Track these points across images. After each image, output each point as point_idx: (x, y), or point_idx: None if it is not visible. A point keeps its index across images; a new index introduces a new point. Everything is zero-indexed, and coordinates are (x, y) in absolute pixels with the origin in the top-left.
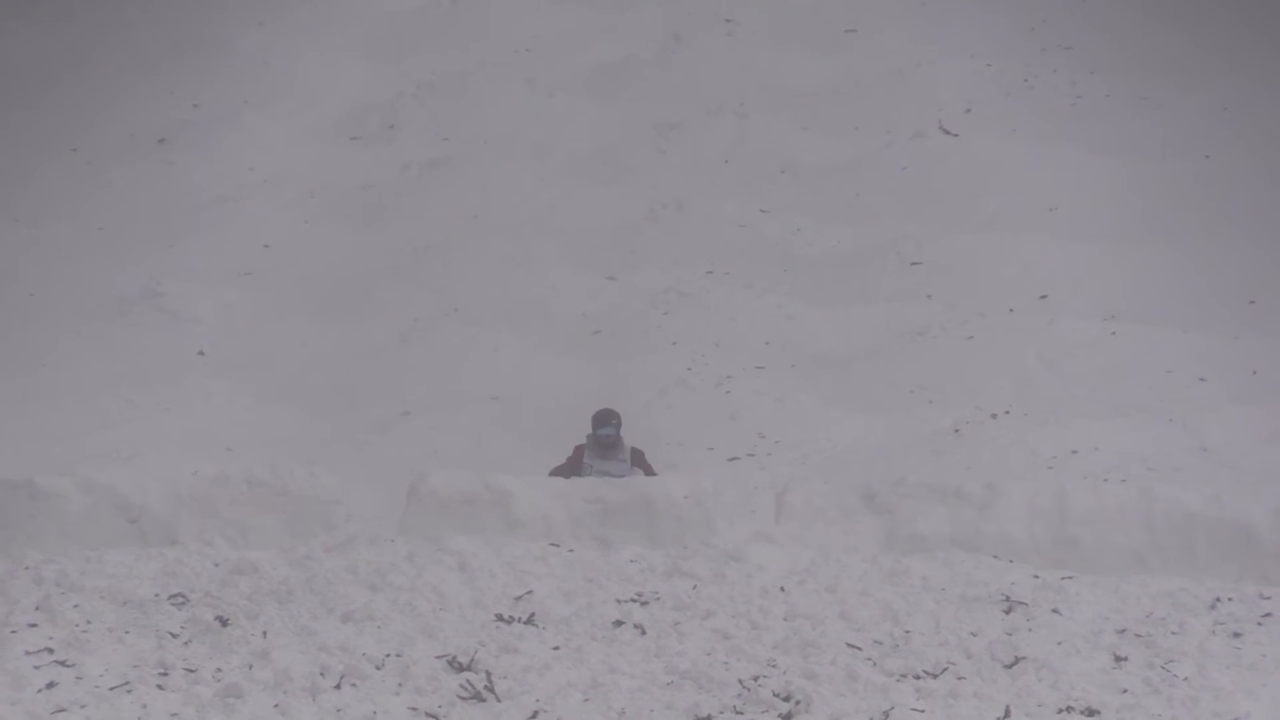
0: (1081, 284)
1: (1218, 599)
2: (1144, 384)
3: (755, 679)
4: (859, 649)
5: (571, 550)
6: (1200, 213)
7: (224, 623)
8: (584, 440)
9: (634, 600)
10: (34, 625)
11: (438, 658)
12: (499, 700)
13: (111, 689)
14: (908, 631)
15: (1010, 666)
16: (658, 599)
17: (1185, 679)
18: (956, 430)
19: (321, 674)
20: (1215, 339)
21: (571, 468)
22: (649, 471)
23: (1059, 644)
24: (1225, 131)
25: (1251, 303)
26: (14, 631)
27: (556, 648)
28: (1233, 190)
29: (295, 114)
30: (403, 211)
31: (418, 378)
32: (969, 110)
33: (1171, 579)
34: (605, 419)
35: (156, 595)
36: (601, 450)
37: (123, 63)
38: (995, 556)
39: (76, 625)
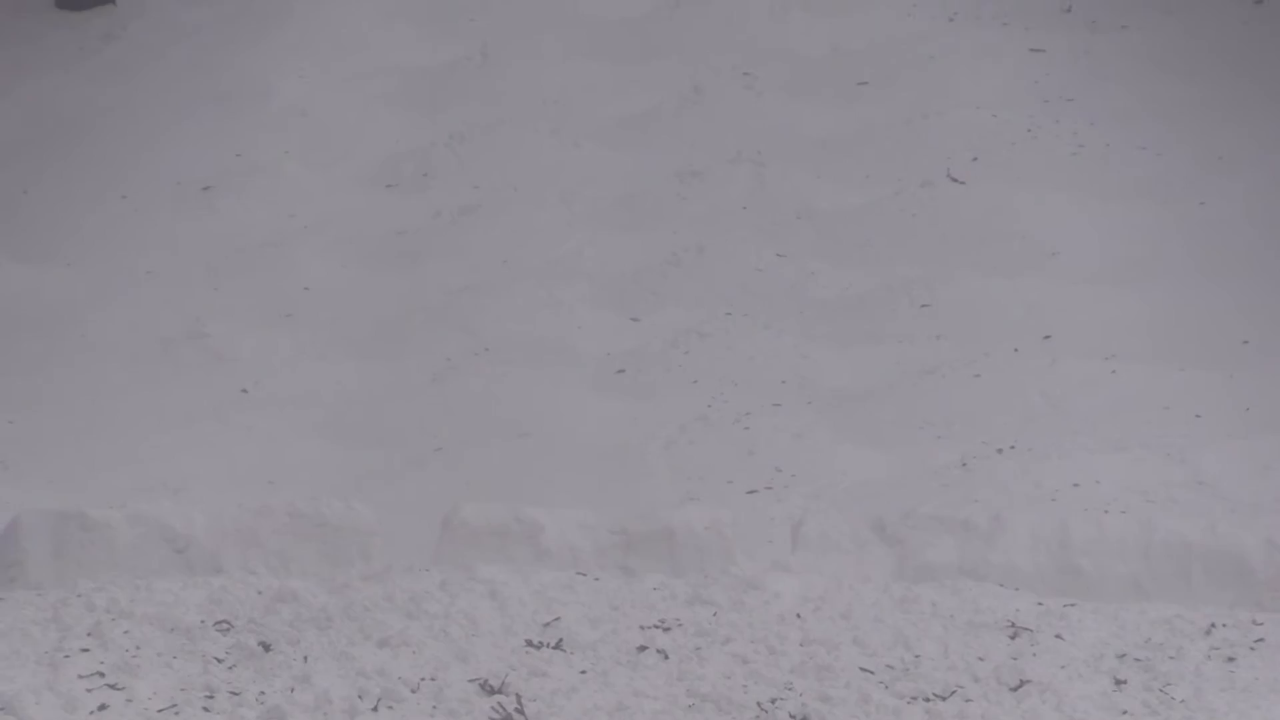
0: (1083, 325)
1: (1213, 625)
2: (1142, 420)
3: (773, 701)
4: (871, 673)
5: (598, 579)
6: (1196, 257)
7: (266, 648)
8: None
9: (657, 626)
10: (86, 650)
11: (470, 681)
12: None
13: (160, 711)
14: (918, 656)
15: (1015, 689)
16: (679, 625)
17: (1182, 701)
18: (964, 464)
19: (360, 697)
20: (1211, 377)
21: None
22: None
23: (1062, 668)
24: (1220, 178)
25: (1245, 342)
26: (67, 656)
27: (583, 672)
28: (1227, 235)
29: (333, 163)
30: (435, 256)
31: (450, 414)
32: (975, 159)
33: (1169, 606)
34: None
35: (202, 622)
36: None
37: (169, 113)
38: (1001, 585)
39: (126, 650)
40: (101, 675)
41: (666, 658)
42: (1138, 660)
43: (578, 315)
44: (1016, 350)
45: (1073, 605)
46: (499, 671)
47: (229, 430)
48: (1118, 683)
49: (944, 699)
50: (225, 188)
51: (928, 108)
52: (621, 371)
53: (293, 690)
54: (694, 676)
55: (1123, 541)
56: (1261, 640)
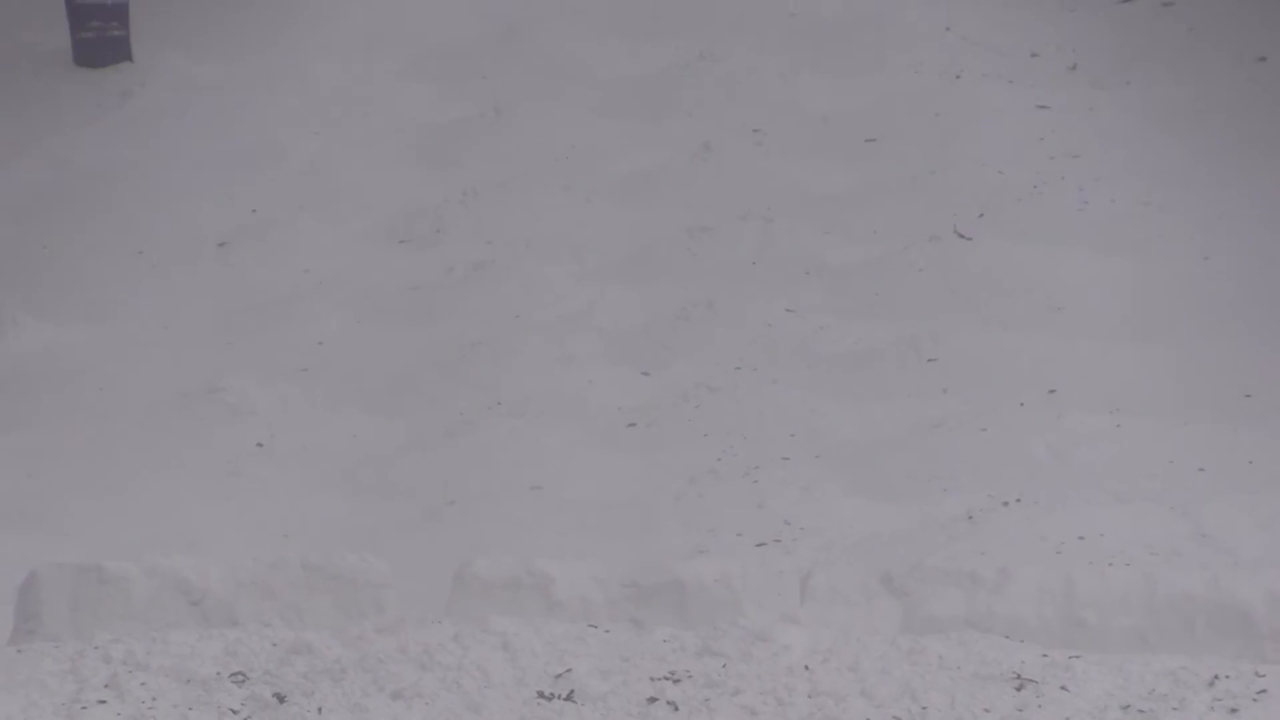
0: (1088, 379)
1: (1216, 676)
2: (1147, 474)
3: None
4: None
5: (608, 631)
6: (1200, 311)
7: (281, 699)
8: None
9: (667, 678)
10: (103, 702)
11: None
12: None
13: None
14: (925, 708)
15: None
16: (689, 677)
17: None
18: (970, 517)
19: None
20: (1214, 431)
21: None
22: None
23: (1067, 719)
24: (1224, 234)
25: (1248, 397)
26: (84, 708)
27: None
28: (1231, 290)
29: (347, 219)
30: (449, 311)
31: (463, 468)
32: (982, 215)
33: (1173, 657)
34: None
35: (218, 674)
36: None
37: (186, 170)
38: (1007, 636)
39: (143, 702)
40: None
41: (676, 709)
42: (1142, 711)
43: (589, 370)
44: (1022, 404)
45: (1078, 657)
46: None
47: (244, 484)
48: None
49: None
50: (241, 243)
51: (935, 164)
52: (632, 425)
53: None
54: None
55: (1127, 594)
56: (1264, 692)
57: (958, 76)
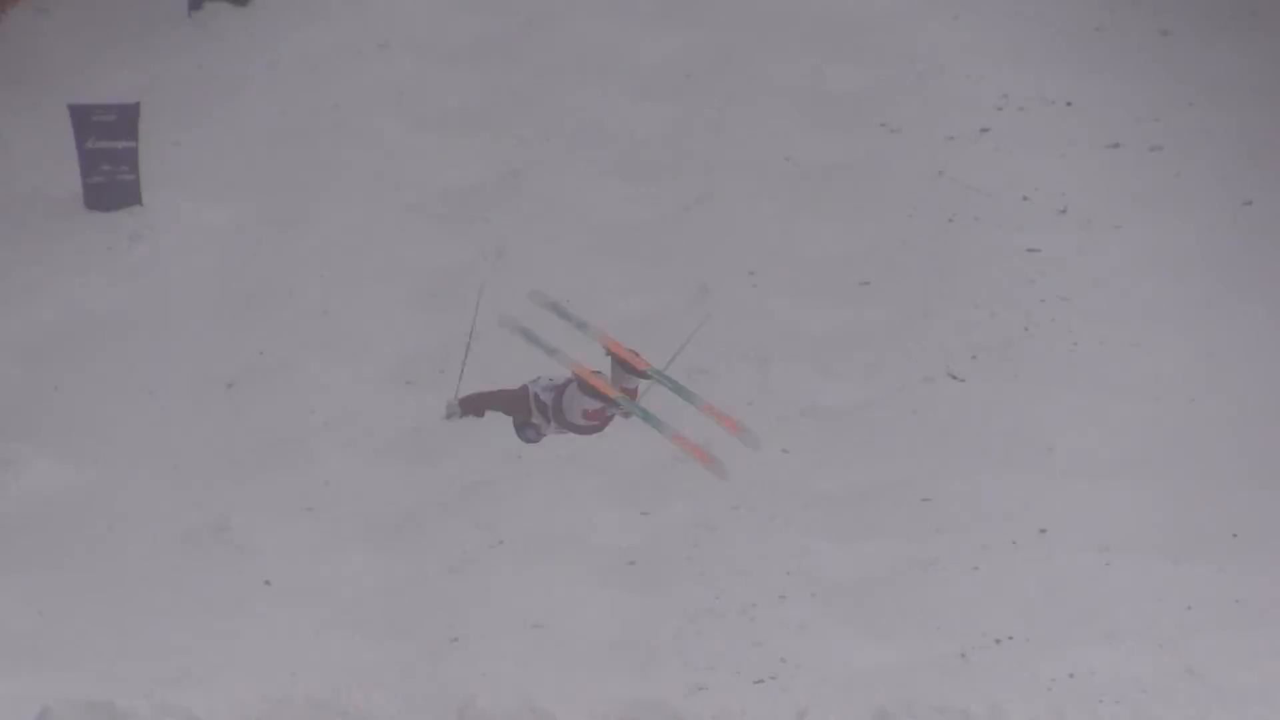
0: (1078, 518)
1: None
2: (1136, 612)
3: None
4: None
5: None
6: (1186, 452)
7: None
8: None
9: None
10: None
11: None
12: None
13: None
14: None
15: None
16: None
17: None
18: (963, 655)
19: None
20: (1202, 570)
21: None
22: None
23: None
24: (1209, 376)
25: (1235, 536)
26: None
27: None
28: (1217, 431)
29: (353, 360)
30: (451, 451)
31: (466, 606)
32: (974, 357)
33: None
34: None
35: None
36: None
37: (194, 312)
38: None
39: None
40: None
41: None
42: None
43: (589, 510)
44: (1014, 543)
45: None
46: None
47: (252, 621)
48: None
49: None
50: (248, 384)
51: (928, 307)
52: (632, 563)
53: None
54: None
55: None
56: None
57: (950, 220)
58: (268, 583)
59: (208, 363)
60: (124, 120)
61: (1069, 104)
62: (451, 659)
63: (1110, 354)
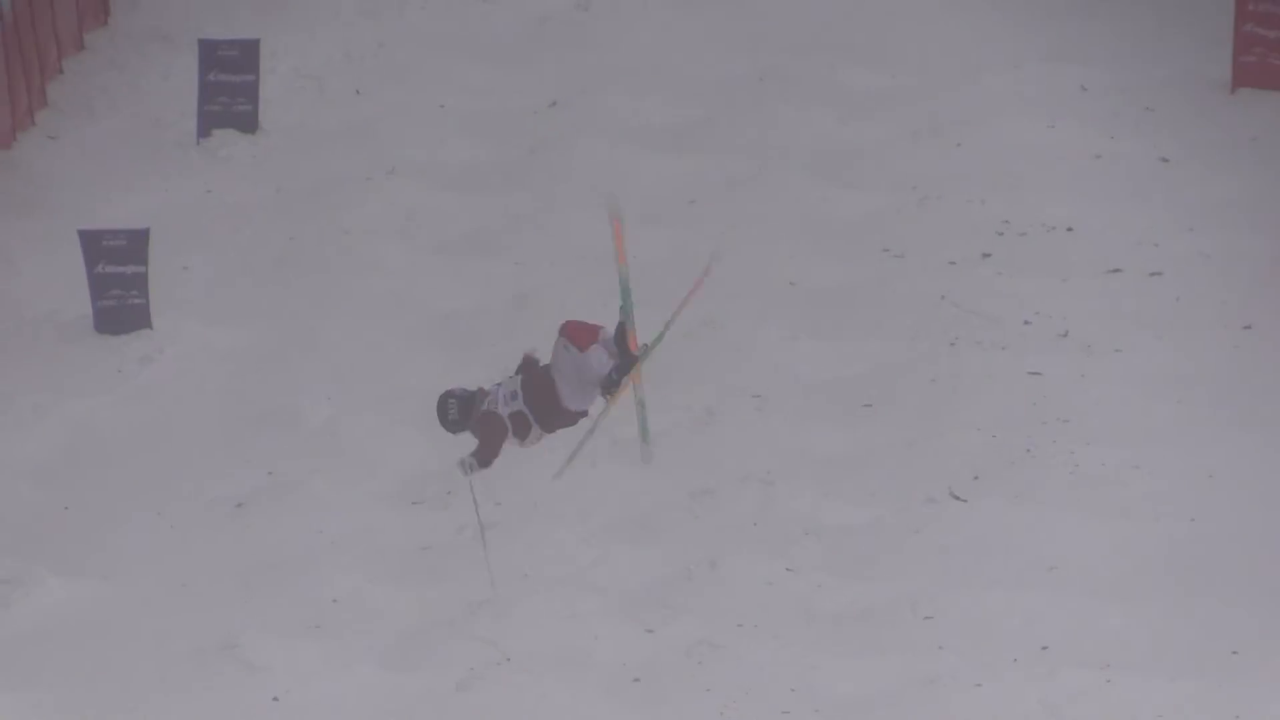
0: (1079, 636)
1: None
2: None
3: None
4: None
5: None
6: (1186, 571)
7: None
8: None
9: None
10: None
11: None
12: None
13: None
14: None
15: None
16: None
17: None
18: None
19: None
20: (1201, 687)
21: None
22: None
23: None
24: (1210, 496)
25: (1234, 653)
26: None
27: None
28: (1216, 551)
29: (360, 481)
30: (458, 570)
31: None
32: (976, 478)
33: None
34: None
35: None
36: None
37: (203, 433)
38: None
39: None
40: None
41: None
42: None
43: (594, 627)
44: (1016, 660)
45: None
46: None
47: None
48: None
49: None
50: (257, 505)
51: (930, 429)
52: (637, 680)
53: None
54: None
55: None
56: None
57: (952, 343)
58: (276, 699)
59: (216, 483)
60: (134, 245)
61: (1069, 229)
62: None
63: (1111, 475)
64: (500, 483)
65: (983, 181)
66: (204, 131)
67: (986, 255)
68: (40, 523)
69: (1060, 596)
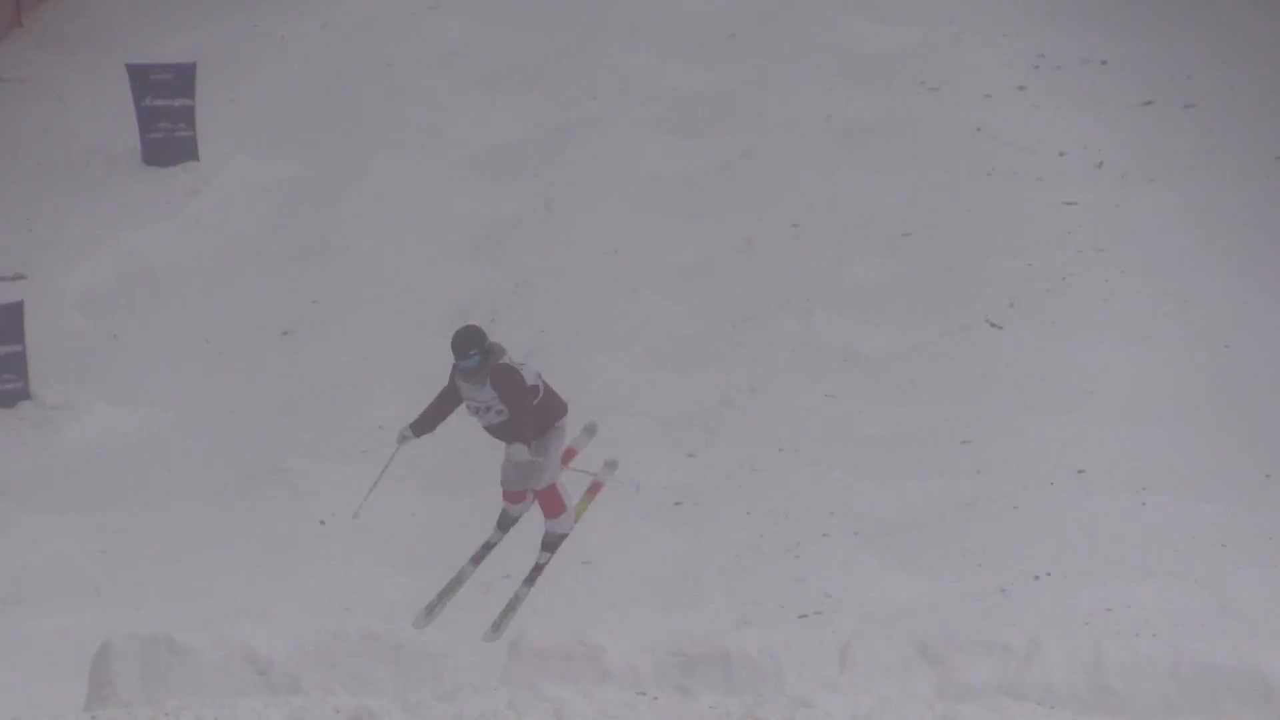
0: (1115, 460)
1: None
2: (1171, 549)
3: None
4: None
5: (657, 698)
6: (1221, 396)
7: None
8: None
9: None
10: None
11: None
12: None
13: None
14: None
15: None
16: None
17: None
18: (1003, 590)
19: None
20: (1235, 509)
21: (448, 398)
22: (511, 394)
23: None
24: (1244, 323)
25: (1267, 476)
26: None
27: None
28: (1250, 375)
29: (406, 309)
30: None
31: (516, 544)
32: (1012, 305)
33: None
34: (464, 347)
35: None
36: (466, 377)
37: (250, 263)
38: (1038, 703)
39: None
40: None
41: None
42: None
43: (637, 452)
44: (1052, 484)
45: None
46: None
47: (307, 559)
48: None
49: None
50: (303, 332)
51: (966, 257)
52: (679, 504)
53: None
54: None
55: (1153, 663)
56: None
57: (989, 174)
58: (323, 522)
59: (263, 312)
60: (181, 79)
61: (1104, 62)
62: (504, 594)
63: (1145, 303)
64: (542, 310)
65: (1017, 17)
66: None
67: (1022, 88)
68: (90, 351)
69: (1096, 421)
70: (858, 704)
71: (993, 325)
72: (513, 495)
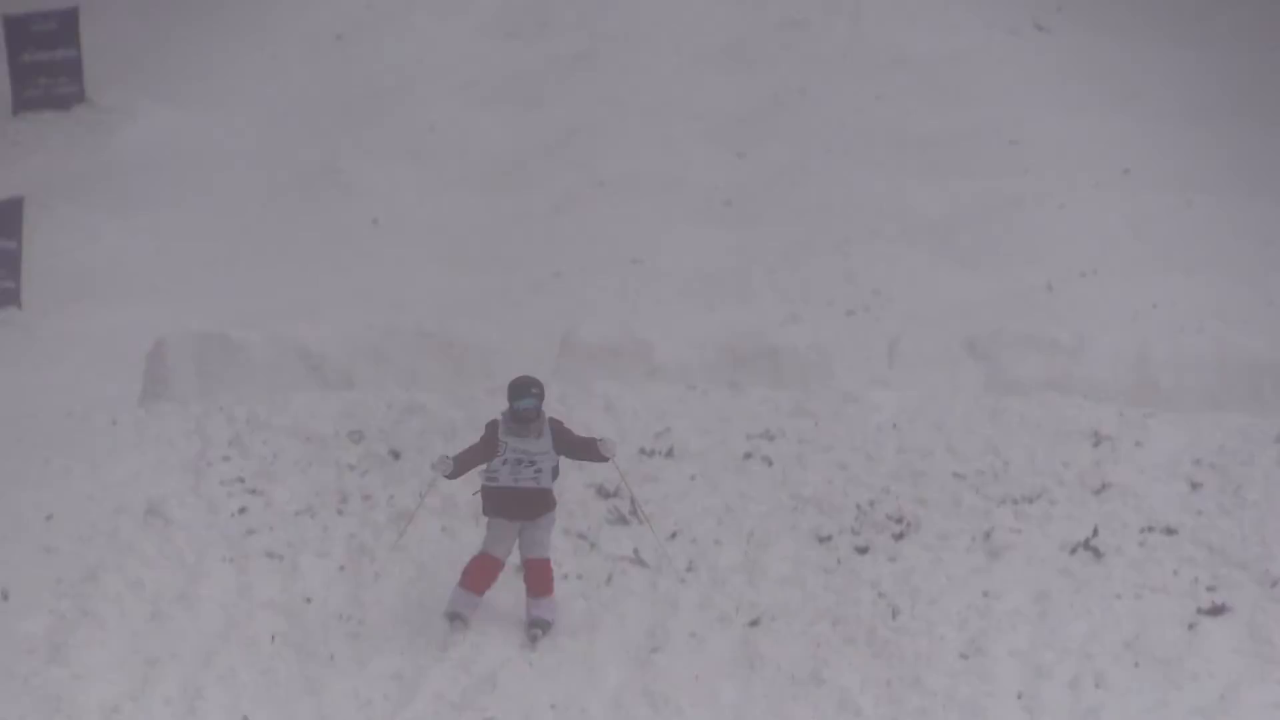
0: (1160, 161)
1: None
2: (1216, 247)
3: (871, 504)
4: (963, 478)
5: (706, 393)
6: (1266, 98)
7: (396, 456)
8: (499, 416)
9: (762, 436)
10: (227, 459)
11: (587, 486)
12: (641, 523)
13: (296, 514)
14: (1006, 463)
15: (1098, 492)
16: (783, 434)
17: (1254, 502)
18: (1050, 287)
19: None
20: (1279, 209)
21: (485, 448)
22: (573, 443)
23: (1141, 473)
24: None
25: None
26: (209, 464)
27: (693, 477)
28: None
29: (458, 13)
30: (553, 98)
31: (568, 242)
32: (1060, 9)
33: (1241, 416)
34: (523, 390)
35: (336, 432)
36: (519, 426)
37: None
38: (1084, 397)
39: (265, 459)
40: (241, 481)
41: (771, 464)
42: (1212, 465)
43: (686, 152)
44: (1098, 183)
45: (1152, 415)
46: (614, 477)
47: (360, 257)
48: (1193, 485)
49: (1031, 501)
50: (356, 36)
51: None
52: (728, 203)
53: (421, 495)
54: (797, 481)
55: (1198, 357)
56: None
57: None
58: (376, 221)
59: (317, 15)
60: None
61: None
62: (554, 291)
63: (1191, 5)
64: (593, 13)
65: None
66: None
67: None
68: (145, 55)
69: (1142, 122)
70: (905, 398)
71: (1040, 29)
72: (531, 562)
